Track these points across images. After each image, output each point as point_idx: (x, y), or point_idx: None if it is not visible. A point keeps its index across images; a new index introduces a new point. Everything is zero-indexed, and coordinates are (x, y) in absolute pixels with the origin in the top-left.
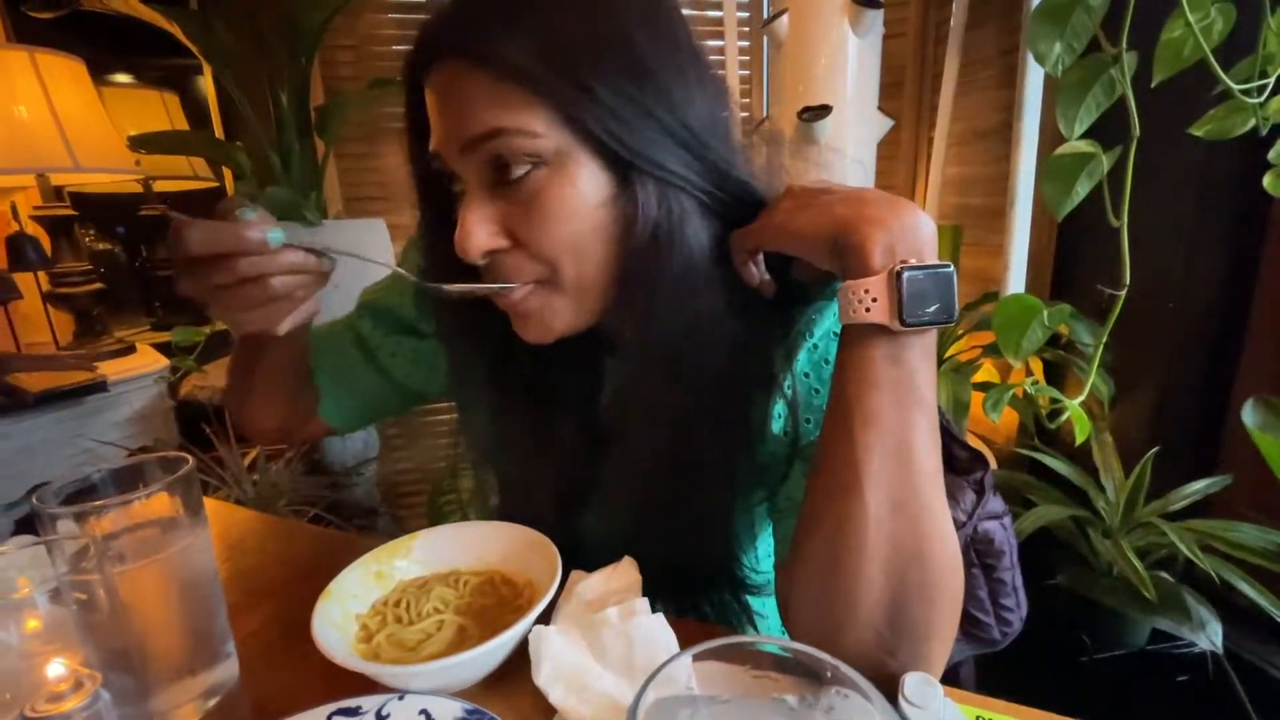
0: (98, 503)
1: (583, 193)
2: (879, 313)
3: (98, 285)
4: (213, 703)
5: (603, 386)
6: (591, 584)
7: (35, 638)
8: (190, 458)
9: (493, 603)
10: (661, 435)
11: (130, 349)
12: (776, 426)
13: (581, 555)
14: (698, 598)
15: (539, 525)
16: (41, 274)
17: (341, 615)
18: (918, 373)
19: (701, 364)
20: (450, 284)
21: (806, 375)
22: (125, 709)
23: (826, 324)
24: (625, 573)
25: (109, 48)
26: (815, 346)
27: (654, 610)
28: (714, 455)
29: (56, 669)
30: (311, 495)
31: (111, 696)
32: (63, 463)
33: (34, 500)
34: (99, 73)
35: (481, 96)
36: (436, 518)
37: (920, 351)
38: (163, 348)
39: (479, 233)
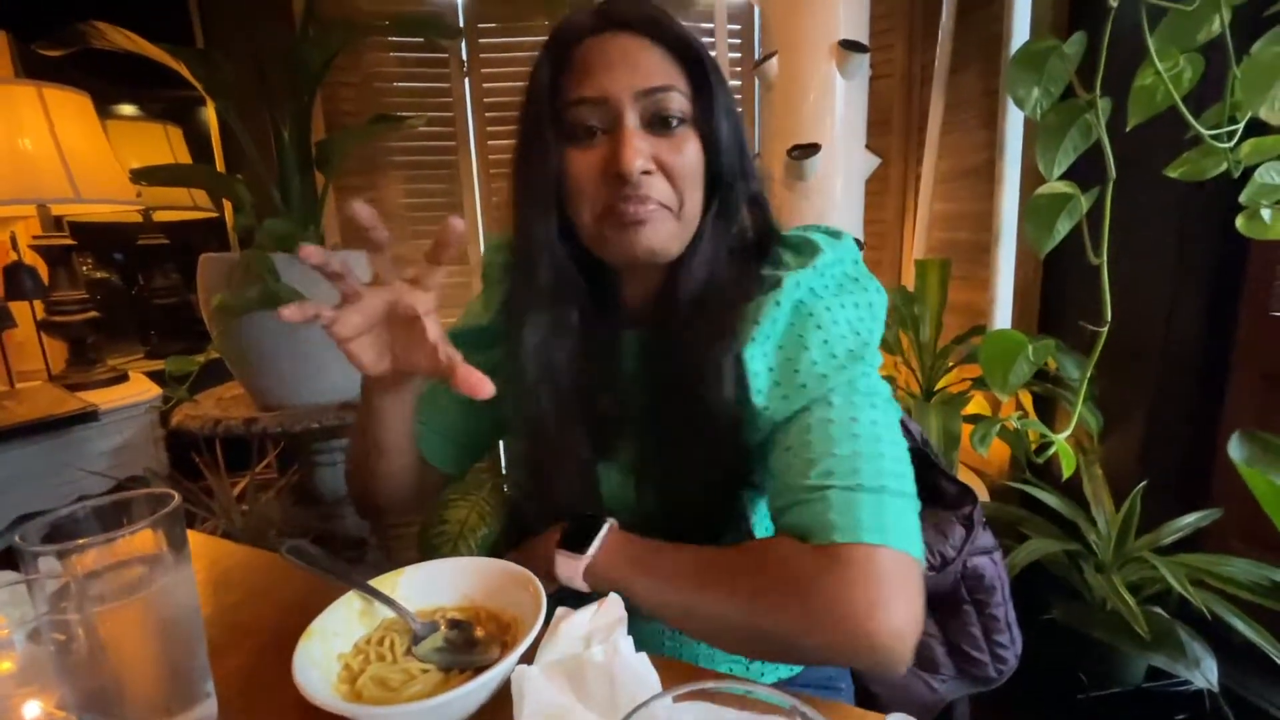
0: (80, 541)
1: (697, 147)
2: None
3: (93, 314)
4: None
5: (620, 354)
6: (576, 621)
7: (11, 679)
8: (176, 494)
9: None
10: (672, 392)
11: (123, 377)
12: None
13: (602, 509)
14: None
15: (569, 471)
16: (37, 302)
17: (324, 654)
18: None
19: (710, 331)
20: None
21: (770, 369)
22: None
23: (778, 322)
24: (609, 610)
25: (114, 80)
26: (780, 346)
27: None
28: (713, 412)
29: (32, 710)
30: (301, 526)
31: None
32: (50, 492)
33: (16, 539)
34: (104, 104)
35: (661, 62)
36: (426, 549)
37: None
38: (156, 376)
39: (641, 156)
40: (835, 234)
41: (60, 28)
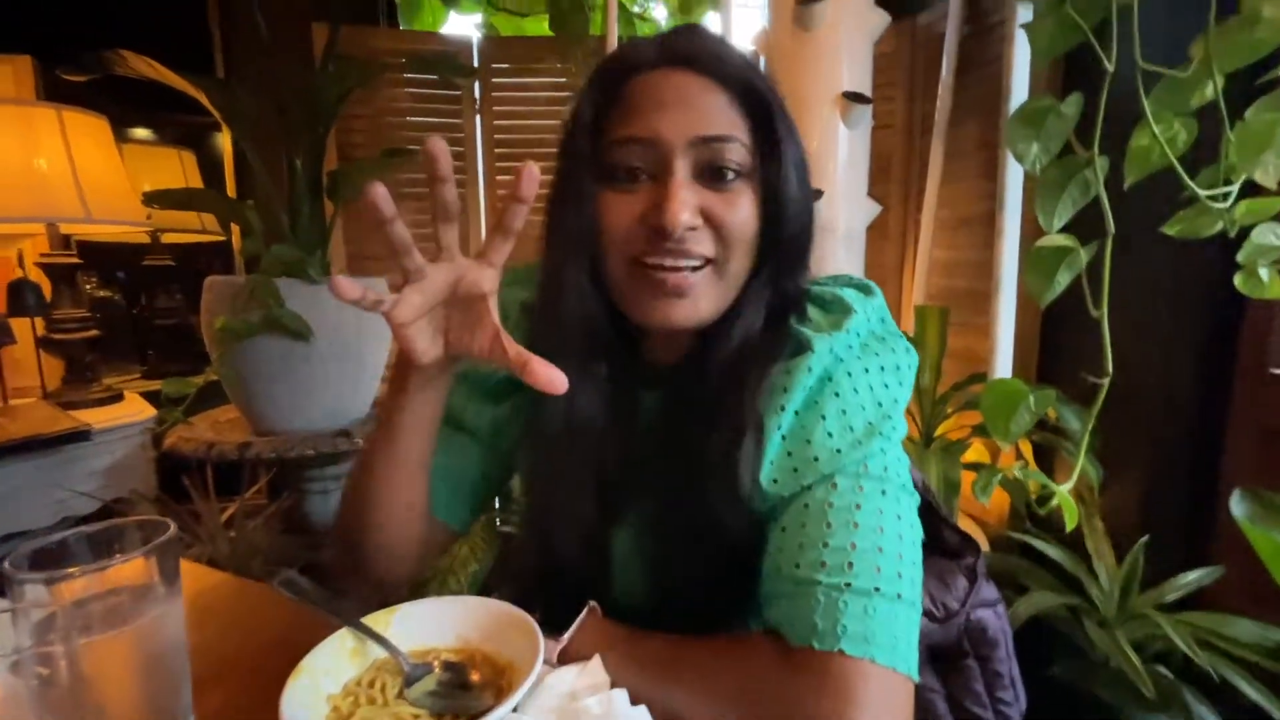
0: (70, 569)
1: (753, 205)
2: None
3: (93, 333)
4: None
5: (638, 415)
6: (562, 677)
7: None
8: (171, 523)
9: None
10: (689, 461)
11: (118, 397)
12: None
13: (608, 577)
14: (717, 626)
15: (577, 536)
16: (38, 319)
17: (312, 694)
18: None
19: (739, 400)
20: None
21: (783, 438)
22: None
23: (805, 390)
24: (594, 672)
25: (132, 104)
26: (797, 413)
27: None
28: (726, 487)
29: None
30: (288, 555)
31: None
32: (37, 511)
33: (6, 565)
34: (122, 126)
35: (722, 108)
36: (416, 582)
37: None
38: (152, 396)
39: (687, 209)
40: (865, 288)
41: (85, 54)
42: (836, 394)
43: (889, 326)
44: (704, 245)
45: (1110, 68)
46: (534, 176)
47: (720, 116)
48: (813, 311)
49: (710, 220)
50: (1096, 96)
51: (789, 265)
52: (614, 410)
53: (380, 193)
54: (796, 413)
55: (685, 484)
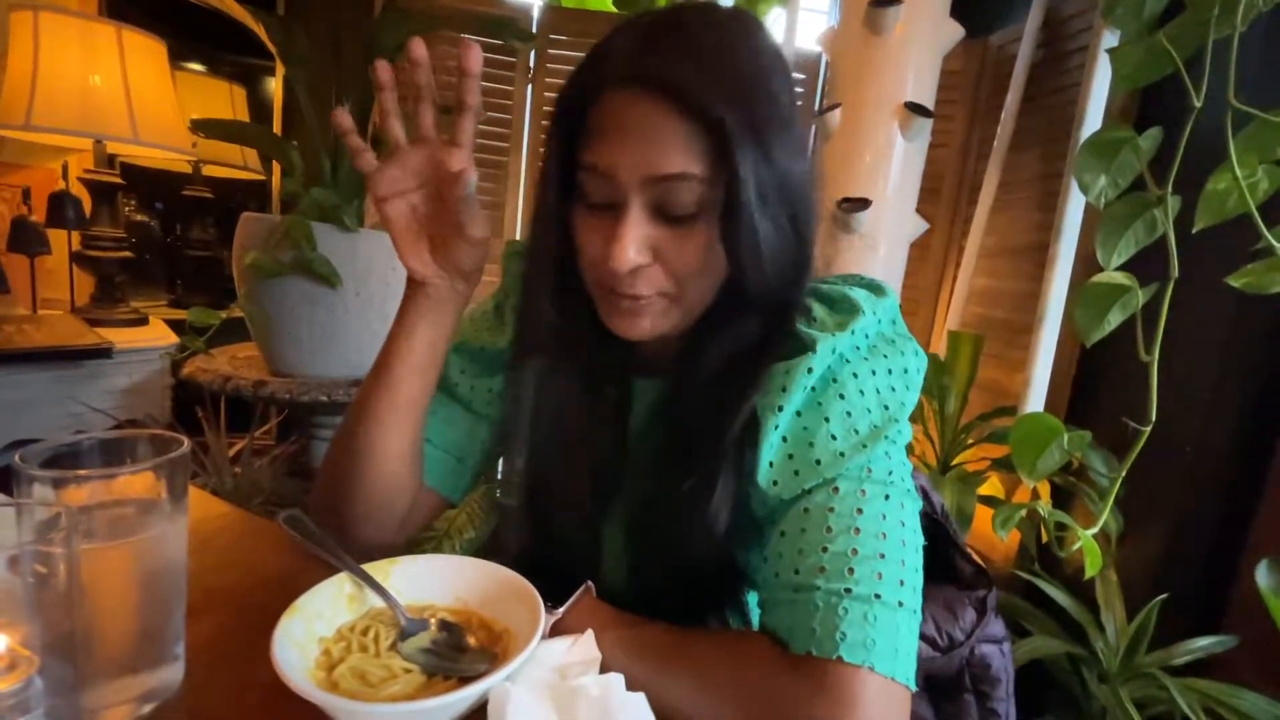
0: (80, 471)
1: (715, 236)
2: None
3: (126, 254)
4: (148, 709)
5: (631, 404)
6: (552, 650)
7: None
8: (185, 439)
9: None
10: (676, 450)
11: (143, 320)
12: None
13: (597, 564)
14: (704, 611)
15: (568, 525)
16: (75, 234)
17: (305, 634)
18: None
19: (727, 390)
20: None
21: (784, 439)
22: (56, 700)
23: (805, 390)
24: (585, 647)
25: (189, 37)
26: (799, 413)
27: None
28: (714, 476)
29: None
30: (289, 498)
31: (45, 684)
32: (50, 422)
33: (16, 458)
34: (175, 59)
35: (680, 140)
36: (409, 545)
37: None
38: (175, 325)
39: (634, 249)
40: (876, 288)
41: None
42: (841, 395)
43: (899, 328)
44: (654, 282)
45: (1198, 103)
46: (477, 54)
47: (676, 152)
48: (818, 310)
49: (660, 257)
50: (1173, 133)
51: (772, 285)
52: (604, 398)
53: (343, 115)
54: (799, 413)
55: (675, 476)
